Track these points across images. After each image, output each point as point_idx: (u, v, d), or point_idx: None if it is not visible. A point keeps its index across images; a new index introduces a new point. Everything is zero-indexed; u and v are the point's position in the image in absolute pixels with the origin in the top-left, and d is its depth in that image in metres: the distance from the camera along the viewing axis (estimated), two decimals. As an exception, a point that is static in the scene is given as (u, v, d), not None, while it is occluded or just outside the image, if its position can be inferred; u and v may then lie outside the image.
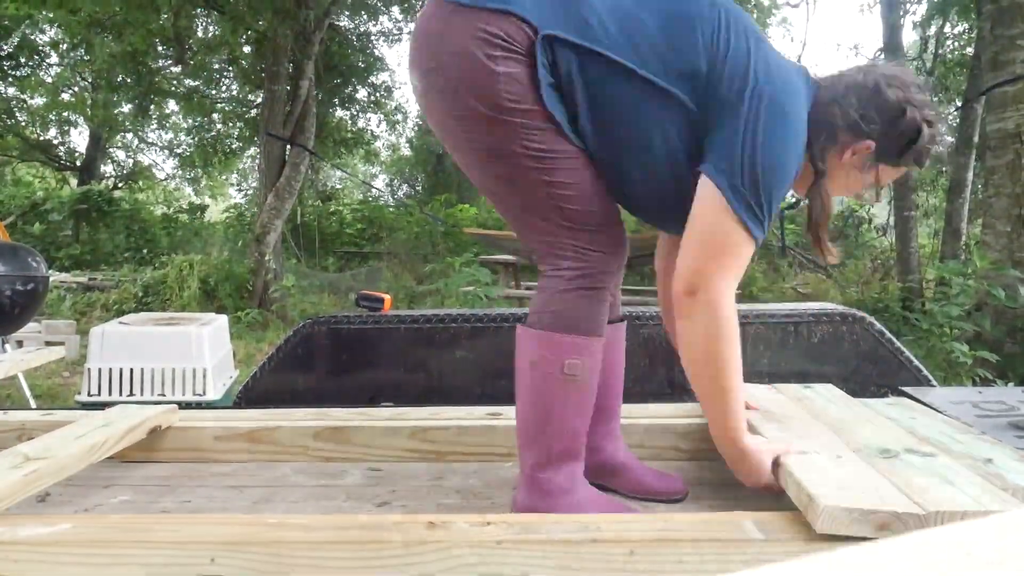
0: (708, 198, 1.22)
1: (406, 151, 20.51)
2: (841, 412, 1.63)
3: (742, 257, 1.24)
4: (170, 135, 19.13)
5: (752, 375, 2.22)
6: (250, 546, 1.12)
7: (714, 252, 1.22)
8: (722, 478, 1.63)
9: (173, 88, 15.52)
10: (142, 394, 3.84)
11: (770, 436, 1.44)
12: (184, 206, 17.69)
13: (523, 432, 1.35)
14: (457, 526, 1.14)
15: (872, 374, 2.22)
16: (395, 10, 15.52)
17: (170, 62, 14.11)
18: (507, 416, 1.85)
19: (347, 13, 14.66)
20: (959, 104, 9.75)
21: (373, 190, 17.68)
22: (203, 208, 17.23)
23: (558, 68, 1.24)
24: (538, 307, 1.34)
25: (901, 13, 10.38)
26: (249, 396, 2.42)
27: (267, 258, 10.22)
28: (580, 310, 1.32)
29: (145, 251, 13.68)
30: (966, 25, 11.23)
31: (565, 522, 1.16)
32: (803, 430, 1.48)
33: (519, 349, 1.34)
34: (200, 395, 3.85)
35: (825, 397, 1.78)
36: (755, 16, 16.40)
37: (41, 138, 17.56)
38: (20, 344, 5.73)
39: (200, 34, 13.93)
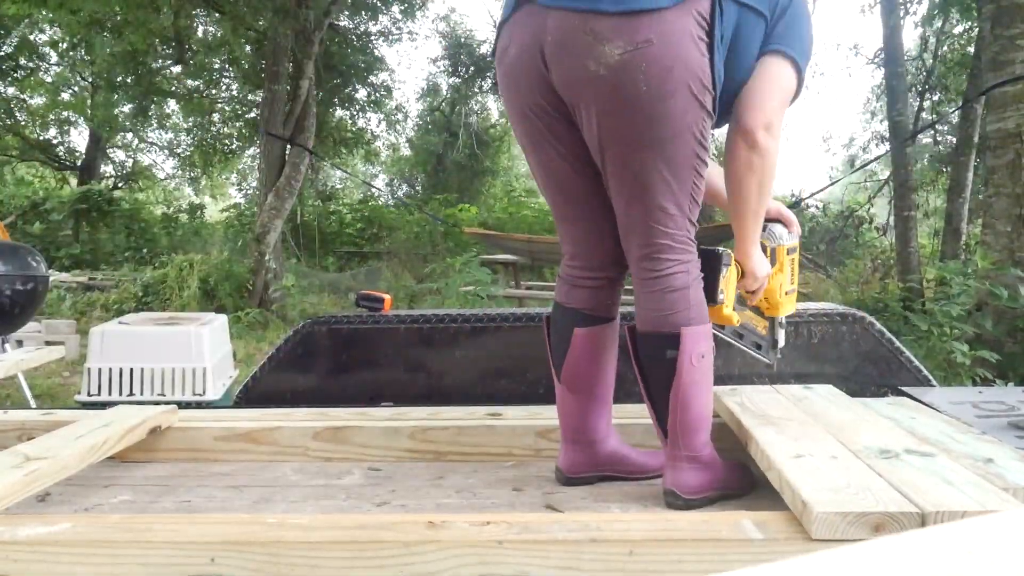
0: (780, 66, 1.47)
1: (406, 151, 20.53)
2: (840, 413, 1.63)
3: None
4: (170, 135, 19.15)
5: (752, 375, 2.22)
6: (250, 546, 1.12)
7: (782, 101, 1.49)
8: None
9: (173, 88, 15.51)
10: (142, 394, 3.84)
11: (766, 440, 1.43)
12: (184, 206, 17.69)
13: (695, 420, 1.45)
14: (457, 526, 1.14)
15: (872, 374, 2.22)
16: (395, 10, 15.53)
17: (170, 62, 14.11)
18: (507, 416, 1.85)
19: (347, 13, 14.66)
20: (959, 104, 9.75)
21: (373, 190, 17.69)
22: (203, 208, 17.22)
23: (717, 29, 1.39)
24: (688, 303, 1.45)
25: (901, 13, 10.38)
26: (249, 396, 2.42)
27: (267, 258, 10.21)
28: (703, 301, 1.48)
29: (145, 251, 13.67)
30: (966, 25, 11.23)
31: (565, 522, 1.16)
32: (800, 431, 1.48)
33: (688, 347, 1.42)
34: (200, 395, 3.85)
35: (825, 398, 1.78)
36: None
37: (41, 138, 17.56)
38: (20, 344, 5.73)
39: (200, 34, 13.94)
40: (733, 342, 1.74)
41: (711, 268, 1.53)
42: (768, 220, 1.68)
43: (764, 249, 1.63)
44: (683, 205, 1.44)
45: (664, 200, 1.42)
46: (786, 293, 1.70)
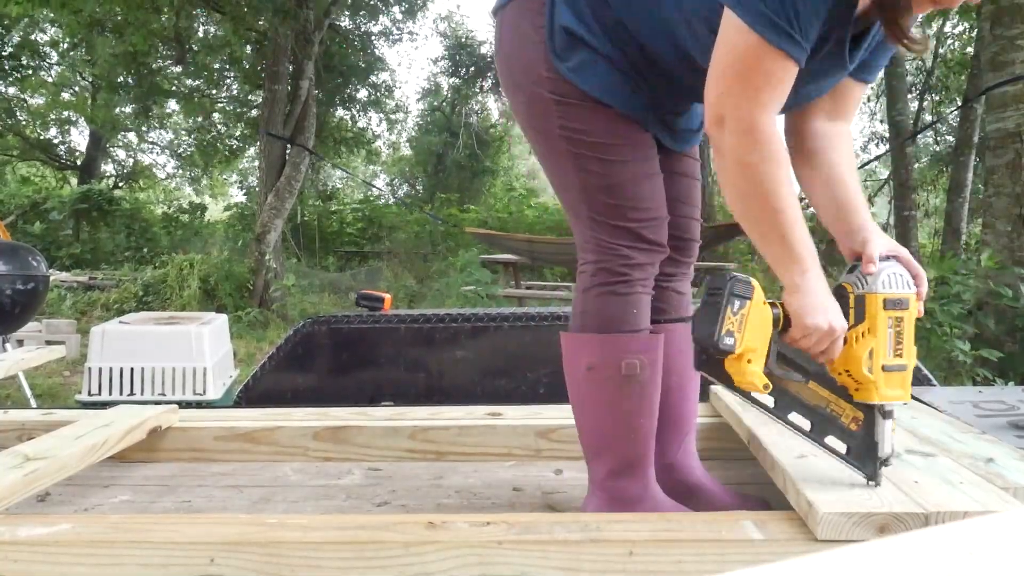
0: (727, 26, 1.09)
1: (406, 151, 20.54)
2: None
3: (775, 78, 1.09)
4: (171, 135, 19.15)
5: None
6: (249, 546, 1.12)
7: (740, 74, 1.09)
8: (725, 477, 1.62)
9: (174, 88, 15.52)
10: (142, 393, 3.85)
11: (769, 439, 1.43)
12: (184, 205, 17.71)
13: (591, 441, 1.32)
14: (457, 526, 1.14)
15: (872, 374, 2.22)
16: (395, 10, 15.53)
17: (170, 62, 14.11)
18: (507, 416, 1.85)
19: (347, 13, 14.66)
20: (959, 104, 9.75)
21: (373, 190, 17.69)
22: (203, 207, 17.24)
23: None
24: (578, 308, 1.32)
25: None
26: (250, 395, 2.42)
27: (267, 257, 10.22)
28: (610, 308, 1.28)
29: (145, 250, 13.67)
30: (966, 25, 11.22)
31: (565, 522, 1.16)
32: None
33: (570, 356, 1.31)
34: (200, 394, 3.85)
35: None
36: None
37: (41, 137, 17.56)
38: (20, 343, 5.74)
39: (201, 34, 13.94)
40: (790, 429, 1.23)
41: (712, 295, 1.12)
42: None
43: (846, 296, 1.17)
44: (575, 204, 1.30)
45: (559, 198, 1.35)
46: (883, 369, 1.13)
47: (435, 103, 19.65)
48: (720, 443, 1.73)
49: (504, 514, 1.22)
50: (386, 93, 16.75)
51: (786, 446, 1.37)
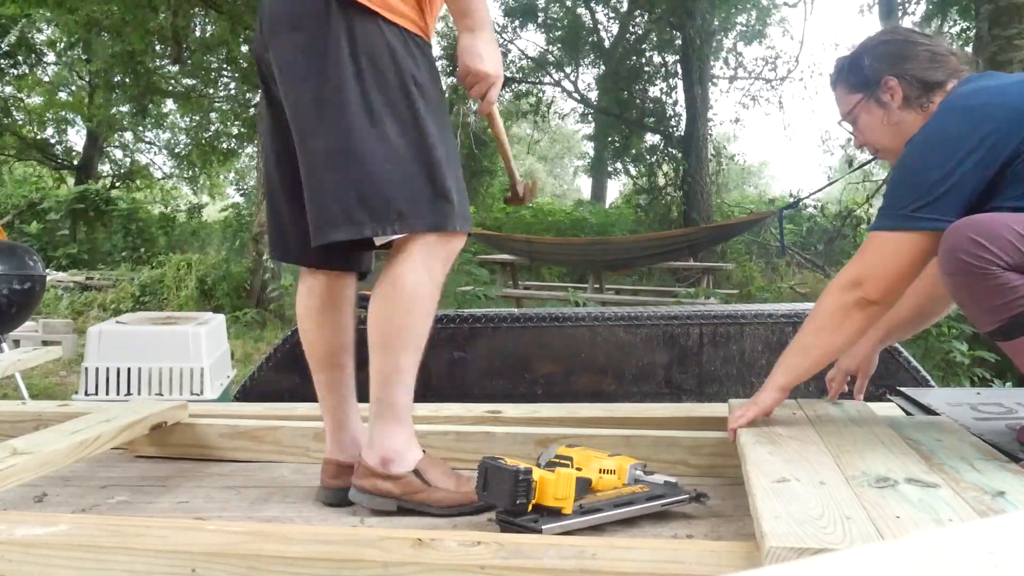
0: None
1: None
2: (856, 433, 1.50)
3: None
4: (168, 134, 19.10)
5: (750, 375, 2.21)
6: (229, 558, 1.12)
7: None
8: (725, 493, 1.61)
9: (171, 87, 15.49)
10: (139, 393, 3.84)
11: (756, 460, 1.33)
12: (182, 205, 17.66)
13: None
14: (445, 544, 1.12)
15: (870, 374, 2.22)
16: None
17: (167, 61, 14.08)
18: (506, 414, 1.84)
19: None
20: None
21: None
22: (201, 207, 17.19)
23: None
24: None
25: (900, 13, 10.38)
26: (247, 396, 2.42)
27: (265, 257, 10.20)
28: None
29: (142, 250, 13.64)
30: (964, 24, 11.24)
31: (561, 545, 1.12)
32: (798, 452, 1.37)
33: None
34: (197, 395, 3.84)
35: (848, 416, 1.65)
36: (754, 16, 16.38)
37: (38, 137, 17.52)
38: (17, 343, 5.72)
39: (198, 33, 13.91)
40: None
41: None
42: None
43: None
44: None
45: None
46: None
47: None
48: (732, 460, 1.59)
49: (496, 534, 1.20)
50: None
51: (769, 469, 1.27)
